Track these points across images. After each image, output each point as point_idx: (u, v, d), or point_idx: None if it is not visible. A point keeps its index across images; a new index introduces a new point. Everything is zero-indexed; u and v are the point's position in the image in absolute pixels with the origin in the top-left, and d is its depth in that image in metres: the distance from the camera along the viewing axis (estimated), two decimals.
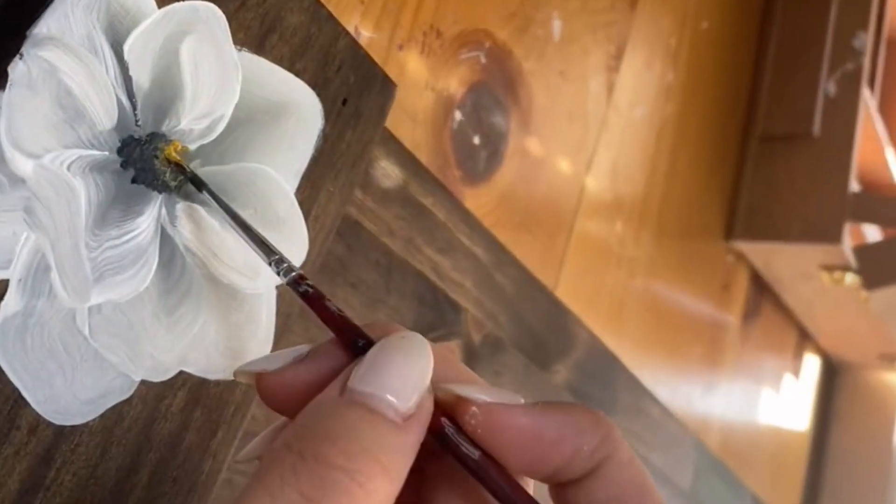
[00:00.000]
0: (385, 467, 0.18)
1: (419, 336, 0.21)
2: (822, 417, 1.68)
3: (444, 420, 0.20)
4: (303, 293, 0.24)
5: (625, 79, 0.86)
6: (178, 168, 0.30)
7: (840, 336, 1.53)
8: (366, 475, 0.17)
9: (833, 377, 1.72)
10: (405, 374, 0.19)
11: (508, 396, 0.21)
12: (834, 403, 1.71)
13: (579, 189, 0.78)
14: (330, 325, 0.23)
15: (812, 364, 1.63)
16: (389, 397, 0.19)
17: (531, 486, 0.23)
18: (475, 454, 0.20)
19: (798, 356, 1.54)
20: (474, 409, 0.20)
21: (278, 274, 0.25)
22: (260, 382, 0.22)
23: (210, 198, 0.29)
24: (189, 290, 0.31)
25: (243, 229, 0.28)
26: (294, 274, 0.25)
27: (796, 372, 1.53)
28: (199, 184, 0.30)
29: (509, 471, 0.21)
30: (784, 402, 1.47)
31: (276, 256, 0.26)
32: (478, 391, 0.21)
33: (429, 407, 0.20)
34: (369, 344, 0.21)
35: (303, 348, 0.23)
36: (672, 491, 1.00)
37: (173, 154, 0.30)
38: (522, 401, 0.21)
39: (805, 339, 1.55)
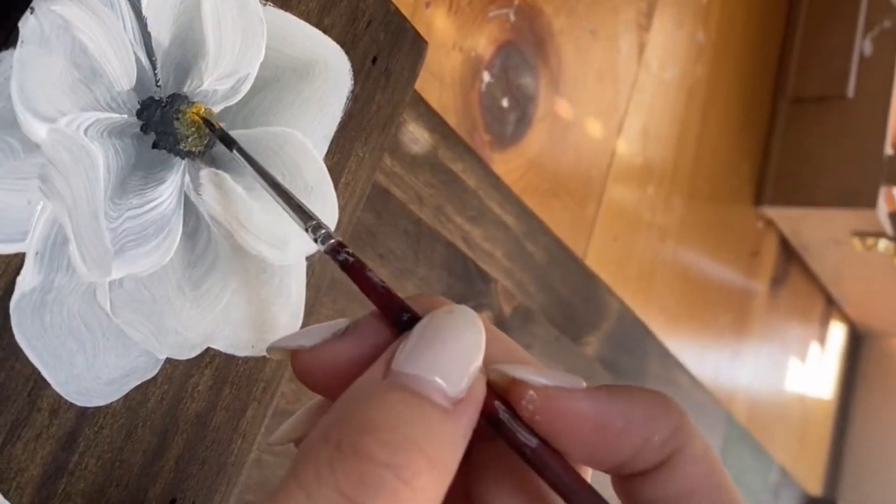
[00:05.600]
0: (432, 460, 0.16)
1: (469, 310, 0.19)
2: (846, 385, 1.66)
3: (498, 404, 0.19)
4: (342, 262, 0.22)
5: (655, 38, 0.83)
6: (207, 123, 0.28)
7: (867, 303, 1.51)
8: (411, 471, 0.15)
9: (858, 345, 1.70)
10: (455, 354, 0.18)
11: (569, 379, 0.19)
12: (859, 371, 1.69)
13: (610, 153, 0.75)
14: (372, 297, 0.21)
15: (837, 332, 1.60)
16: (438, 380, 0.17)
17: (589, 473, 0.21)
18: (533, 443, 0.19)
19: (824, 324, 1.51)
20: (532, 393, 0.19)
21: (315, 241, 0.23)
22: (296, 360, 0.20)
23: (241, 158, 0.27)
24: (215, 263, 0.29)
25: (277, 192, 0.25)
26: (333, 241, 0.22)
27: (822, 340, 1.51)
28: (229, 142, 0.28)
29: (569, 461, 0.19)
30: (809, 370, 1.45)
31: (314, 222, 0.23)
32: (535, 373, 0.19)
33: (481, 390, 0.18)
34: (415, 319, 0.19)
35: (342, 322, 0.21)
36: None
37: (196, 116, 0.28)
38: (584, 384, 0.19)
39: (831, 306, 1.53)
